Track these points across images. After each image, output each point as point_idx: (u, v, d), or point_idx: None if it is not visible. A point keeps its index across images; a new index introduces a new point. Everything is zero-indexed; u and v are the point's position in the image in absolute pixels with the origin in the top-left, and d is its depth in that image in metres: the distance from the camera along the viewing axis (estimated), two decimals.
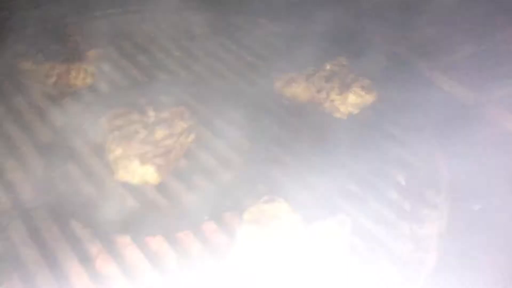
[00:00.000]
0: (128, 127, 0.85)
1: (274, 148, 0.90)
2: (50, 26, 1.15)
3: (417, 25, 1.29)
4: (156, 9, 1.27)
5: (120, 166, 0.79)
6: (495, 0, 1.29)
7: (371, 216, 0.78)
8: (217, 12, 1.29)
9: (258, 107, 0.99)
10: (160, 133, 0.84)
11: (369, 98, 0.95)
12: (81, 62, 1.02)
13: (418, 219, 0.78)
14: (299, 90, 0.98)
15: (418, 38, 1.27)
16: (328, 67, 1.01)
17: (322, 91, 0.96)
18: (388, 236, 0.75)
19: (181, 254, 0.71)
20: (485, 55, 1.16)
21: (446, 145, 0.91)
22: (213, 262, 0.70)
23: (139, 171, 0.78)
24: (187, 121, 0.88)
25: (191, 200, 0.80)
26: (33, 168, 0.85)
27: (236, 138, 0.92)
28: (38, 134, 0.92)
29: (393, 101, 1.00)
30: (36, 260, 0.71)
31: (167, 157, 0.81)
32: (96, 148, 0.87)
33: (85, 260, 0.70)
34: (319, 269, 0.66)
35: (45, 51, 1.02)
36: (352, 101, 0.94)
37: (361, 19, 1.24)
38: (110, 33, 1.17)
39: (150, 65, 1.11)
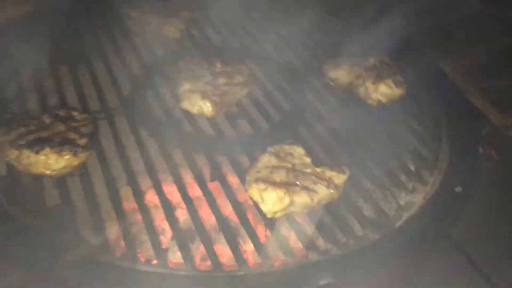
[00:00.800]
0: (198, 71, 1.08)
1: (308, 115, 1.10)
2: None
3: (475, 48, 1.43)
4: None
5: (185, 97, 1.02)
6: None
7: (372, 179, 0.96)
8: None
9: (304, 81, 1.19)
10: (221, 80, 1.07)
11: (398, 92, 1.12)
12: (175, 19, 1.28)
13: (408, 189, 0.95)
14: (341, 74, 1.16)
15: (469, 60, 1.41)
16: (371, 60, 1.18)
17: (360, 78, 1.14)
18: (377, 194, 0.94)
19: (215, 170, 0.94)
20: None
21: (454, 143, 1.07)
22: (237, 177, 0.92)
23: (198, 103, 1.01)
24: (245, 77, 1.10)
25: (232, 136, 1.02)
26: (123, 87, 1.12)
27: (280, 100, 1.13)
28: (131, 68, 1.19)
29: (420, 100, 1.18)
30: (112, 149, 0.96)
31: (222, 98, 1.03)
32: (170, 82, 1.12)
33: (147, 156, 0.95)
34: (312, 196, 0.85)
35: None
36: (382, 90, 1.11)
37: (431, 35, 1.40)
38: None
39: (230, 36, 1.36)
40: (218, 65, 1.11)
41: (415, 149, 1.05)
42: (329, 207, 0.88)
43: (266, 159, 0.88)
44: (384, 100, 1.12)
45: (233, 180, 0.92)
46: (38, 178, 0.87)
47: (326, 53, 1.30)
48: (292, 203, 0.83)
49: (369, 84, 1.13)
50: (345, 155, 1.00)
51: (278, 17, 1.41)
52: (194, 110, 1.02)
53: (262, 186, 0.82)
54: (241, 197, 0.89)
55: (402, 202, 0.93)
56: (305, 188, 0.84)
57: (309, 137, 1.04)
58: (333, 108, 1.13)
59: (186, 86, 1.04)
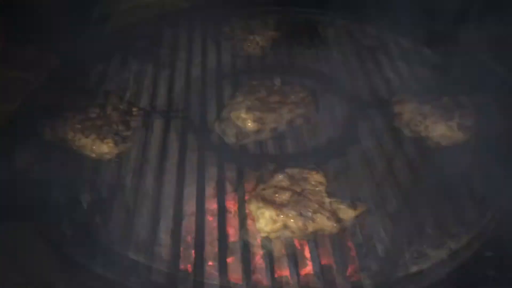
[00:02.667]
0: (256, 86, 1.12)
1: (355, 146, 1.06)
2: None
3: None
4: None
5: (233, 108, 1.07)
6: None
7: (396, 223, 0.90)
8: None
9: (365, 111, 1.14)
10: (274, 97, 1.09)
11: (459, 136, 1.01)
12: (259, 36, 1.35)
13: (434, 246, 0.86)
14: (407, 109, 1.09)
15: None
16: (444, 100, 1.09)
17: (422, 115, 1.06)
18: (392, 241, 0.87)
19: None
20: None
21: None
22: None
23: (242, 115, 1.05)
24: (300, 98, 1.10)
25: (266, 152, 1.04)
26: (187, 91, 1.22)
27: (332, 126, 1.11)
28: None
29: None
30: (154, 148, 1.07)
31: (268, 115, 1.05)
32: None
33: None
34: None
35: None
36: (441, 132, 1.02)
37: None
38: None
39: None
40: (277, 82, 1.13)
41: (456, 208, 0.94)
42: (335, 239, 0.85)
43: (279, 179, 0.89)
44: (443, 142, 1.03)
45: None
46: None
47: (402, 85, 1.23)
48: (285, 226, 0.82)
49: (429, 123, 1.04)
50: (377, 194, 0.95)
51: None
52: (238, 122, 1.06)
53: (260, 203, 0.83)
54: None
55: (416, 255, 0.84)
56: (302, 215, 0.82)
57: (345, 168, 1.00)
58: (386, 142, 1.07)
59: (238, 99, 1.09)
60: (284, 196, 0.85)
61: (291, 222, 0.82)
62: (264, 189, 0.87)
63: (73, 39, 1.32)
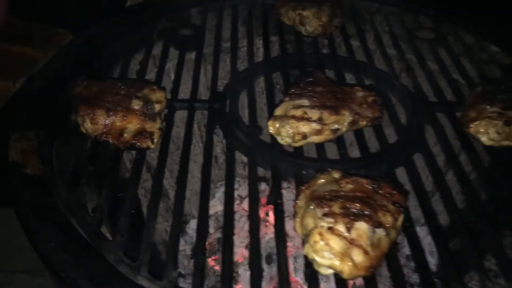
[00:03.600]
0: (314, 82, 1.00)
1: (418, 153, 0.95)
2: None
3: None
4: None
5: (293, 105, 0.93)
6: None
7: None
8: None
9: (429, 114, 1.03)
10: (334, 95, 0.97)
11: None
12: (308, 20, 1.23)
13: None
14: (481, 113, 0.97)
15: None
16: None
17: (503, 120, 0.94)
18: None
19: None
20: None
21: None
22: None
23: (303, 114, 0.91)
24: (362, 97, 0.97)
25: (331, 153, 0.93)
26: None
27: (391, 130, 1.00)
28: None
29: None
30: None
31: (330, 114, 0.92)
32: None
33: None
34: None
35: None
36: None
37: None
38: None
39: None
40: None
41: None
42: None
43: (347, 188, 0.76)
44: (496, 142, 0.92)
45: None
46: None
47: (472, 86, 1.11)
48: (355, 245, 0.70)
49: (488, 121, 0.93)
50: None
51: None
52: (295, 121, 0.93)
53: (330, 219, 0.72)
54: None
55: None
56: (376, 233, 0.71)
57: (413, 177, 0.89)
58: (457, 150, 0.96)
59: (295, 95, 0.96)
60: (355, 210, 0.73)
61: (362, 240, 0.71)
62: (330, 200, 0.75)
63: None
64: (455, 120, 1.01)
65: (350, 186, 0.76)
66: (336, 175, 0.79)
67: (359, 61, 1.19)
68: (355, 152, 0.97)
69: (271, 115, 0.99)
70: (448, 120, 1.02)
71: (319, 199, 0.74)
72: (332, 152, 0.95)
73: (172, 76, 1.28)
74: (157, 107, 0.94)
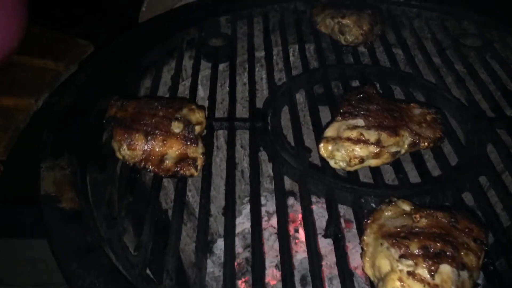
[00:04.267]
0: (364, 98, 0.92)
1: (484, 175, 0.87)
2: None
3: None
4: None
5: (346, 126, 0.85)
6: None
7: None
8: None
9: (489, 126, 0.95)
10: (390, 113, 0.89)
11: None
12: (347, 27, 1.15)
13: None
14: None
15: None
16: None
17: None
18: None
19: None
20: None
21: None
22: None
23: (360, 136, 0.83)
24: (421, 115, 0.89)
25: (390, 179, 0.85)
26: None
27: (449, 150, 0.92)
28: None
29: None
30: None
31: (389, 136, 0.84)
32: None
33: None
34: None
35: None
36: None
37: None
38: None
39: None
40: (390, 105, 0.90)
41: None
42: None
43: (422, 223, 0.69)
44: None
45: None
46: None
47: None
48: None
49: None
50: None
51: None
52: (351, 143, 0.85)
53: (409, 261, 0.64)
54: None
55: None
56: (460, 277, 0.63)
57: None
58: None
59: (348, 114, 0.87)
60: (436, 250, 0.65)
61: (447, 285, 0.63)
62: (406, 238, 0.67)
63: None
64: None
65: (424, 220, 0.69)
66: (406, 207, 0.72)
67: (405, 72, 1.11)
68: (412, 175, 0.89)
69: (317, 133, 0.92)
70: (510, 137, 0.94)
71: (393, 237, 0.66)
72: (387, 175, 0.87)
73: (203, 91, 1.21)
74: (198, 128, 0.87)
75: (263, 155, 0.91)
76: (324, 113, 1.00)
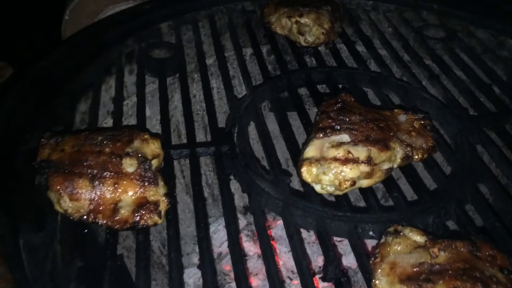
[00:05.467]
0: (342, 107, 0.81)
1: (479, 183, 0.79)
2: None
3: None
4: None
5: (331, 143, 0.73)
6: None
7: None
8: None
9: (475, 126, 0.87)
10: (376, 123, 0.78)
11: None
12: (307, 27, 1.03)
13: None
14: None
15: None
16: None
17: None
18: None
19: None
20: None
21: None
22: None
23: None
24: (410, 123, 0.79)
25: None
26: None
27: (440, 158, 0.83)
28: None
29: None
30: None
31: (380, 151, 0.72)
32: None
33: None
34: None
35: None
36: None
37: None
38: None
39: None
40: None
41: None
42: None
43: (439, 258, 0.59)
44: None
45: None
46: None
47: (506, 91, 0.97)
48: None
49: None
50: None
51: None
52: (339, 164, 0.72)
53: None
54: None
55: None
56: None
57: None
58: None
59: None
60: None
61: None
62: (429, 281, 0.56)
63: None
64: (508, 135, 0.86)
65: (444, 254, 0.58)
66: (418, 237, 0.61)
67: (375, 72, 1.01)
68: (404, 188, 0.79)
69: (294, 153, 0.80)
70: (498, 136, 0.87)
71: (413, 281, 0.55)
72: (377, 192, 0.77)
73: (149, 108, 1.06)
74: (155, 163, 0.71)
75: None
76: (295, 121, 0.88)
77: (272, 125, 0.91)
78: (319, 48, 1.07)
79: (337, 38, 1.09)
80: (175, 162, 0.80)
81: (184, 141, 0.83)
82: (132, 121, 1.03)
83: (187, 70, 1.01)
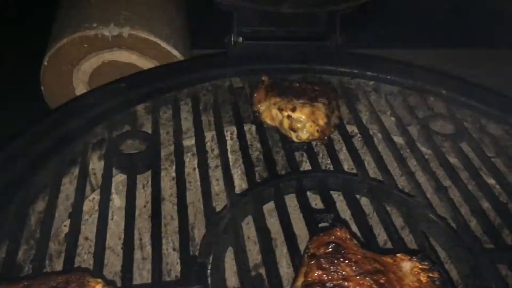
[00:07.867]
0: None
1: None
2: None
3: None
4: None
5: None
6: None
7: None
8: None
9: None
10: None
11: None
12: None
13: None
14: None
15: None
16: None
17: None
18: None
19: None
20: None
21: None
22: None
23: None
24: None
25: None
26: None
27: None
28: None
29: None
30: None
31: None
32: None
33: None
34: None
35: None
36: None
37: None
38: None
39: None
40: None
41: None
42: None
43: None
44: None
45: None
46: None
47: None
48: None
49: None
50: None
51: None
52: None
53: None
54: None
55: None
56: None
57: None
58: None
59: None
60: None
61: None
62: None
63: None
64: None
65: None
66: None
67: (376, 180, 0.89)
68: None
69: None
70: None
71: None
72: None
73: (119, 199, 0.94)
74: None
75: None
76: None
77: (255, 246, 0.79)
78: (312, 143, 0.95)
79: (334, 131, 0.97)
80: None
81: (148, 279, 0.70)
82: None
83: (162, 157, 0.90)
